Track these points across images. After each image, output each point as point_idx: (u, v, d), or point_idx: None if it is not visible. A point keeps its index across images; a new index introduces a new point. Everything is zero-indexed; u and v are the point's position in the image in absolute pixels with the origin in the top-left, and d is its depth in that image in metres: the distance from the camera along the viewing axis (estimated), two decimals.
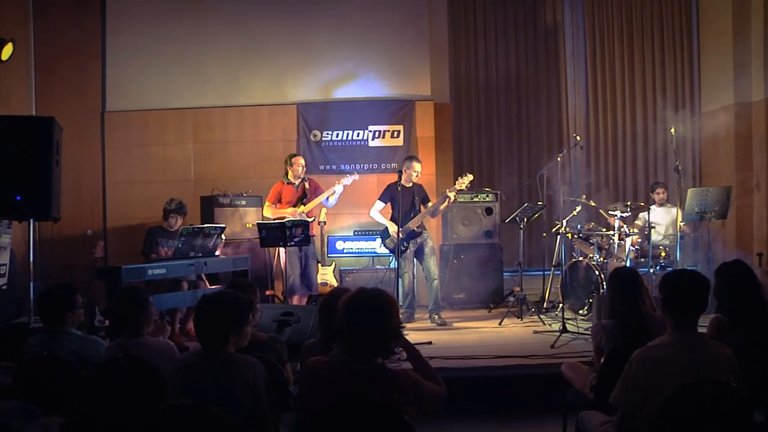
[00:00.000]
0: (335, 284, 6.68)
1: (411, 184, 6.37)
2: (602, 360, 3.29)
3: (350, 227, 7.43)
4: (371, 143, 7.63)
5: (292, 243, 5.77)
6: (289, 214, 6.25)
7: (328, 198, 6.47)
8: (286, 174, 6.54)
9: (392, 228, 6.25)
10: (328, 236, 7.11)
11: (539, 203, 6.65)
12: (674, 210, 6.69)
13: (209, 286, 5.98)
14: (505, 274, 7.24)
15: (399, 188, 6.02)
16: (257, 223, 6.01)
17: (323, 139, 7.63)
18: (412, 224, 6.26)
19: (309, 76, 7.66)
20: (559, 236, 6.56)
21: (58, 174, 5.12)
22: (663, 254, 6.66)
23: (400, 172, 6.19)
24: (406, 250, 6.26)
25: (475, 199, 7.24)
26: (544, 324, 6.11)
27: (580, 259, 6.45)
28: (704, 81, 8.30)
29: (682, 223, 6.57)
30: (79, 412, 2.83)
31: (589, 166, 8.42)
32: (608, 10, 8.43)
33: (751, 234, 7.41)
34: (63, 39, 7.58)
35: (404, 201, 6.15)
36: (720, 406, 2.36)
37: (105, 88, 7.67)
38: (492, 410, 4.41)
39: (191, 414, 2.35)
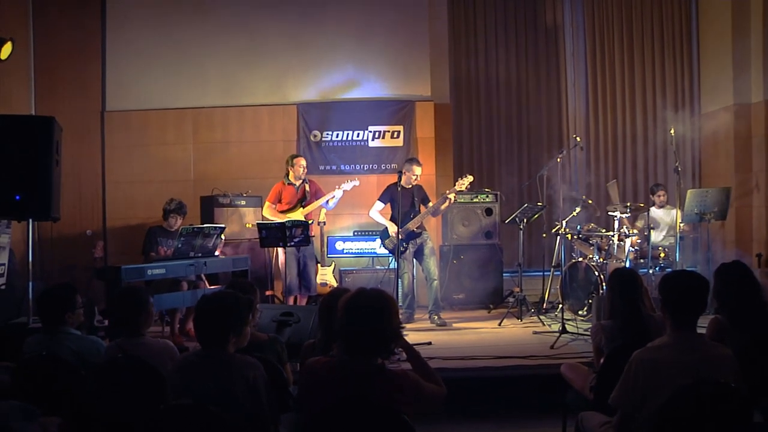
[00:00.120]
0: (335, 284, 6.68)
1: (411, 185, 6.37)
2: (602, 361, 3.29)
3: (350, 228, 7.43)
4: (371, 144, 7.63)
5: (292, 243, 5.77)
6: (287, 218, 6.23)
7: (327, 201, 6.47)
8: (287, 174, 6.53)
9: (392, 228, 6.25)
10: (327, 237, 7.11)
11: (539, 204, 6.65)
12: (674, 211, 6.69)
13: (209, 287, 5.98)
14: (504, 274, 7.24)
15: (399, 189, 6.02)
16: (257, 224, 6.01)
17: (323, 139, 7.63)
18: (412, 225, 6.26)
19: (309, 76, 7.66)
20: (558, 237, 6.56)
21: (58, 174, 5.12)
22: (662, 255, 6.66)
23: (400, 173, 6.19)
24: (405, 250, 6.26)
25: (475, 200, 7.24)
26: (544, 324, 6.11)
27: (580, 259, 6.45)
28: (704, 82, 8.31)
29: (682, 224, 6.57)
30: (79, 412, 2.83)
31: (589, 166, 8.42)
32: (608, 10, 8.43)
33: (750, 235, 7.41)
34: (63, 39, 7.58)
35: (404, 202, 6.15)
36: (720, 406, 2.36)
37: (105, 88, 7.66)
38: (491, 411, 4.41)
39: (191, 414, 2.35)
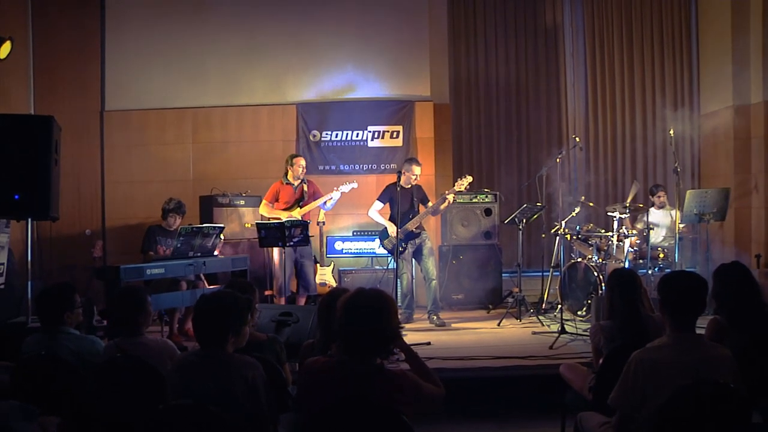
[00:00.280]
0: (334, 284, 6.68)
1: (410, 186, 6.36)
2: (601, 361, 3.29)
3: (349, 228, 7.43)
4: (370, 144, 7.63)
5: (291, 243, 5.77)
6: (284, 216, 6.23)
7: (325, 203, 6.46)
8: (286, 174, 6.52)
9: (391, 228, 6.25)
10: (327, 236, 7.11)
11: (538, 204, 6.65)
12: (673, 212, 6.70)
13: (208, 286, 5.98)
14: (504, 274, 7.24)
15: (398, 189, 6.02)
16: (256, 223, 6.00)
17: (323, 139, 7.63)
18: (411, 225, 6.26)
19: (309, 76, 7.66)
20: (558, 237, 6.56)
21: (57, 173, 5.11)
22: (661, 255, 6.66)
23: (399, 173, 6.19)
24: (404, 250, 6.26)
25: (474, 200, 7.24)
26: (543, 325, 6.11)
27: (579, 260, 6.45)
28: (703, 82, 8.31)
29: (681, 225, 6.58)
30: (78, 412, 2.83)
31: (589, 167, 8.43)
32: (608, 11, 8.44)
33: (749, 235, 7.41)
34: (62, 38, 7.57)
35: (403, 202, 6.15)
36: (719, 407, 2.37)
37: (104, 88, 7.65)
38: (491, 411, 4.41)
39: (190, 414, 2.35)
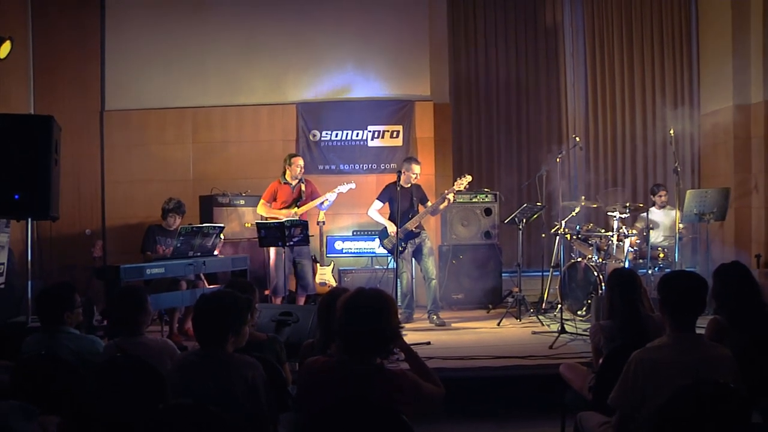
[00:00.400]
0: (334, 284, 6.68)
1: (409, 185, 6.36)
2: (601, 361, 3.29)
3: (349, 227, 7.43)
4: (370, 143, 7.62)
5: (291, 243, 5.77)
6: (283, 215, 6.23)
7: (322, 203, 6.45)
8: (284, 174, 6.51)
9: (391, 228, 6.25)
10: (327, 236, 7.10)
11: (538, 204, 6.65)
12: (673, 212, 6.69)
13: (208, 286, 5.98)
14: (503, 274, 7.24)
15: (398, 188, 6.02)
16: (256, 223, 6.00)
17: (322, 139, 7.63)
18: (410, 225, 6.26)
19: (309, 75, 7.66)
20: (557, 237, 6.56)
21: (57, 173, 5.11)
22: (662, 255, 6.66)
23: (399, 173, 6.19)
24: (404, 250, 6.25)
25: (474, 200, 7.24)
26: (543, 325, 6.11)
27: (579, 259, 6.45)
28: (703, 82, 8.30)
29: (681, 225, 6.57)
30: (78, 412, 2.83)
31: (589, 166, 8.42)
32: (608, 11, 8.43)
33: (749, 235, 7.41)
34: (62, 38, 7.57)
35: (402, 201, 6.14)
36: (719, 407, 2.36)
37: (104, 87, 7.65)
38: (490, 411, 4.41)
39: (190, 414, 2.35)
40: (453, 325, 6.27)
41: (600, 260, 6.31)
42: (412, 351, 2.61)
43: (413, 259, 6.42)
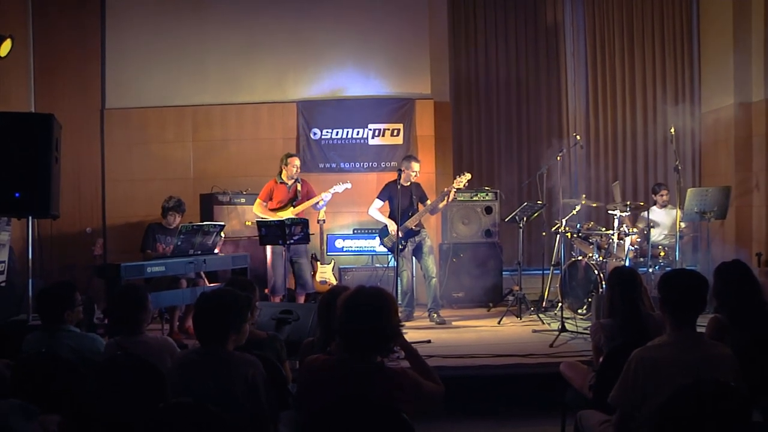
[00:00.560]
0: (334, 282, 6.68)
1: (409, 183, 6.36)
2: (601, 359, 3.29)
3: (350, 225, 7.43)
4: (371, 142, 7.62)
5: (292, 241, 5.77)
6: (278, 215, 6.21)
7: (317, 203, 6.44)
8: (280, 173, 6.50)
9: (392, 226, 6.25)
10: (327, 234, 7.10)
11: (539, 202, 6.65)
12: (674, 212, 6.69)
13: (208, 284, 5.98)
14: (504, 273, 7.23)
15: (399, 187, 6.02)
16: (257, 221, 6.00)
17: (323, 137, 7.63)
18: (410, 223, 6.26)
19: (309, 74, 7.65)
20: (558, 235, 6.56)
21: (58, 171, 5.11)
22: (662, 254, 6.66)
23: (399, 171, 6.19)
24: (404, 248, 6.25)
25: (474, 198, 7.24)
26: (543, 323, 6.11)
27: (580, 258, 6.45)
28: (704, 81, 8.29)
29: (682, 224, 6.57)
30: (78, 411, 2.83)
31: (589, 165, 8.41)
32: (609, 9, 8.42)
33: (750, 234, 7.40)
34: (62, 36, 7.57)
35: (402, 200, 6.14)
36: (719, 405, 2.36)
37: (104, 86, 7.66)
38: (491, 409, 4.41)
39: (190, 413, 2.35)
40: (453, 323, 6.27)
41: (601, 259, 6.31)
42: (413, 349, 2.61)
43: (413, 257, 6.42)
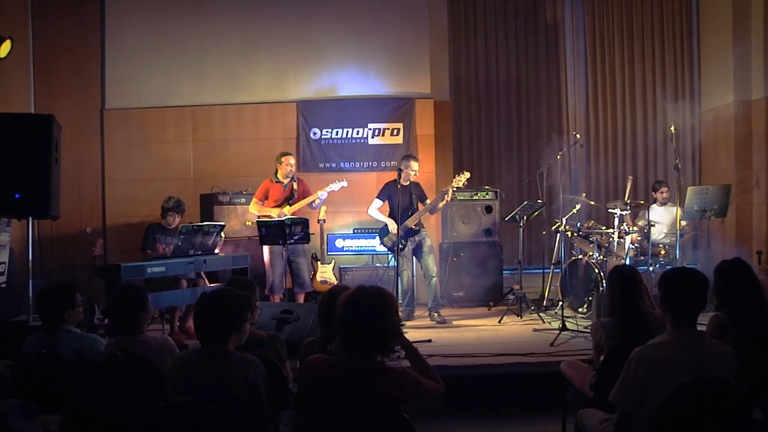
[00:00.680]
0: (335, 282, 6.68)
1: (408, 183, 6.36)
2: (602, 358, 3.29)
3: (350, 225, 7.43)
4: (371, 141, 7.62)
5: (292, 241, 5.77)
6: (275, 215, 6.21)
7: (313, 201, 6.43)
8: (276, 172, 6.48)
9: (392, 226, 6.25)
10: (327, 234, 7.10)
11: (539, 201, 6.64)
12: (674, 209, 6.68)
13: (208, 284, 5.98)
14: (504, 272, 7.24)
15: (398, 186, 6.02)
16: (257, 221, 6.00)
17: (323, 137, 7.63)
18: (410, 222, 6.26)
19: (309, 73, 7.65)
20: (558, 234, 6.56)
21: (57, 172, 5.11)
22: (662, 252, 6.66)
23: (399, 170, 6.19)
24: (404, 248, 6.25)
25: (474, 197, 7.24)
26: (544, 322, 6.11)
27: (580, 257, 6.44)
28: (704, 79, 8.29)
29: (683, 222, 6.57)
30: (79, 411, 2.83)
31: (589, 163, 8.41)
32: (608, 8, 8.41)
33: (750, 232, 7.41)
34: (62, 37, 7.57)
35: (402, 199, 6.14)
36: (720, 404, 2.36)
37: (104, 86, 7.66)
38: (491, 408, 4.41)
39: (190, 412, 2.35)
40: (454, 322, 6.27)
41: (601, 257, 6.31)
42: (413, 348, 2.61)
43: (414, 256, 6.42)
